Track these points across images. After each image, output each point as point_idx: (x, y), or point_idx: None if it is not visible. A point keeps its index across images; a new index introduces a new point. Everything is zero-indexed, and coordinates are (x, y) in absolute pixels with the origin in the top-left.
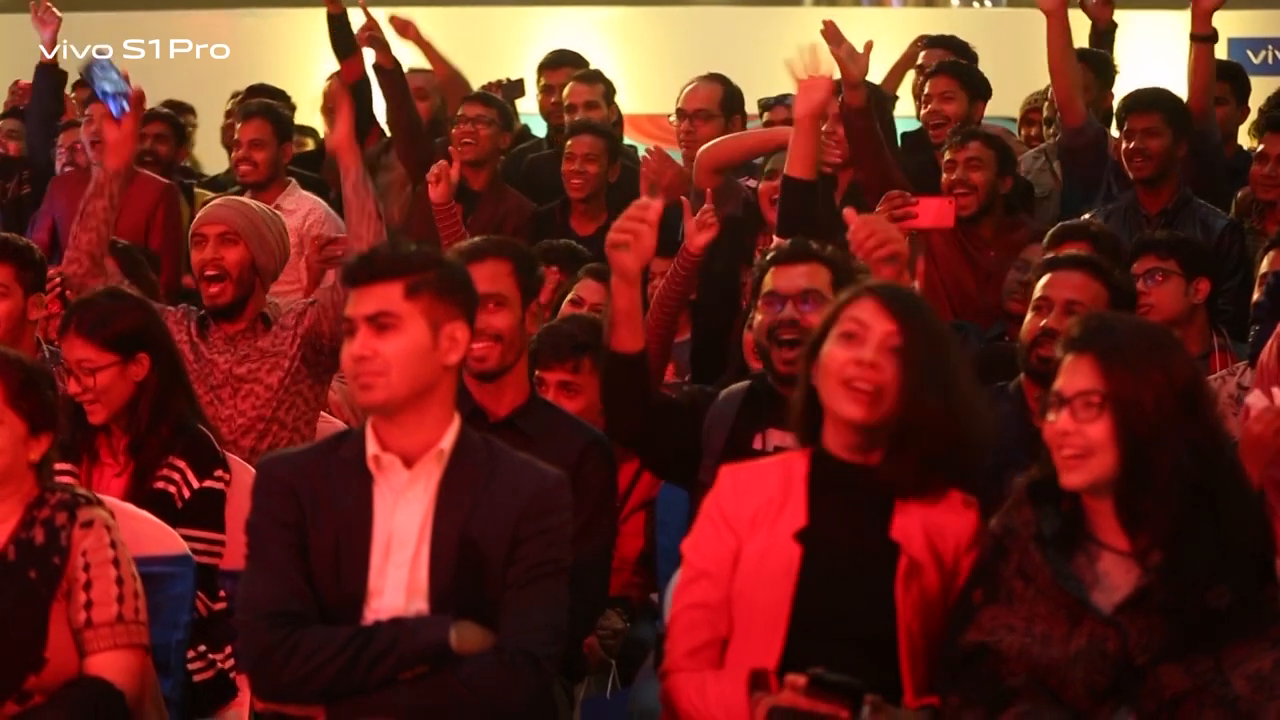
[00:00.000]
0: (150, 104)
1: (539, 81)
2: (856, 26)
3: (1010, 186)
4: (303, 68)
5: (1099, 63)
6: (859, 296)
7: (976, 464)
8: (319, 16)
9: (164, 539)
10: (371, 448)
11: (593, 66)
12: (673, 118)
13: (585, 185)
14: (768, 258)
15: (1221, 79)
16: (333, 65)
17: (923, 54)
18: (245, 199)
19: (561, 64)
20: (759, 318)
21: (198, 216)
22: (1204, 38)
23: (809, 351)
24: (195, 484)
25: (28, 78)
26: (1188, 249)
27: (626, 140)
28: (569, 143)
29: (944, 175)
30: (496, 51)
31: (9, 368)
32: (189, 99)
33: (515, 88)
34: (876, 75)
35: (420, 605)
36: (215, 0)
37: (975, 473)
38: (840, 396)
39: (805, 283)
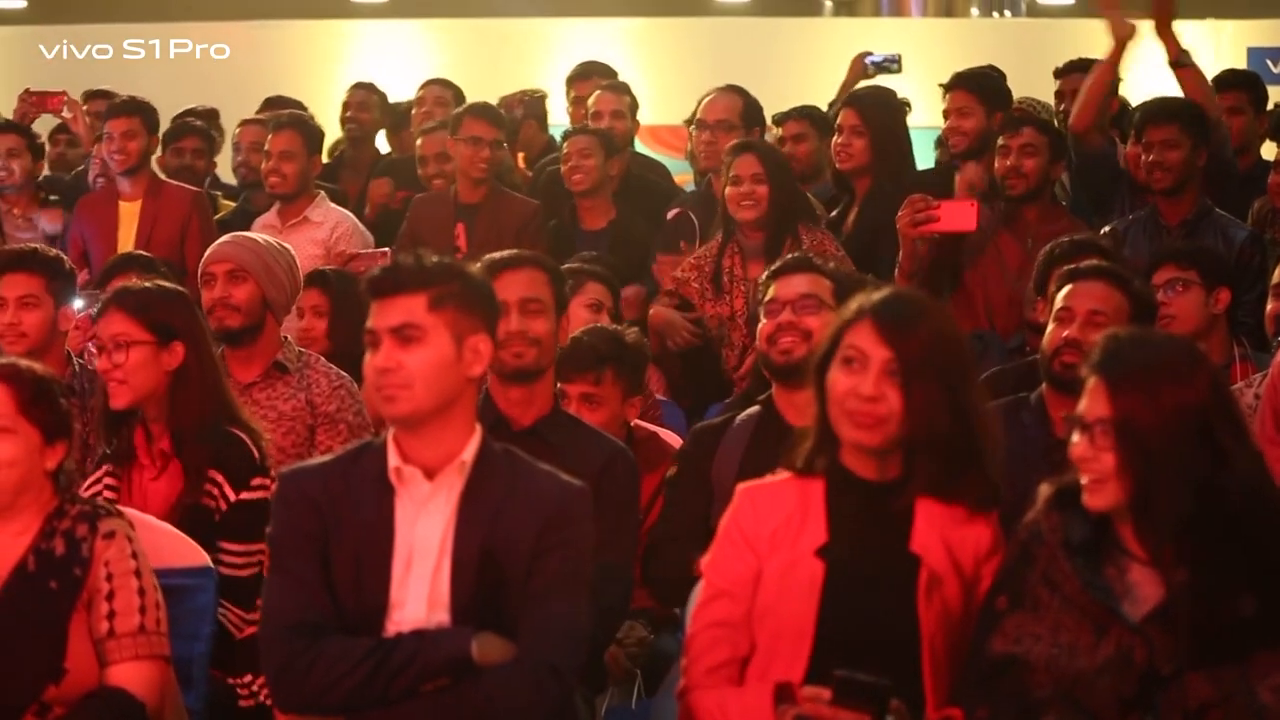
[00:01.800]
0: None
1: (569, 94)
2: (877, 37)
3: (1060, 174)
4: (303, 66)
5: None
6: (857, 319)
7: (987, 468)
8: (321, 27)
9: (185, 551)
10: (393, 460)
11: (620, 79)
12: (693, 128)
13: (585, 179)
14: (768, 273)
15: (1239, 88)
16: (334, 69)
17: (948, 95)
18: (252, 234)
19: (591, 75)
20: (763, 324)
21: (205, 255)
22: (1181, 64)
23: (817, 372)
24: (232, 496)
25: (32, 85)
26: (1208, 259)
27: (647, 151)
28: (564, 145)
29: (997, 161)
30: (518, 63)
31: (20, 377)
32: (188, 99)
33: (538, 103)
34: (898, 85)
35: (442, 617)
36: (218, 11)
37: (988, 477)
38: (846, 425)
39: (804, 288)
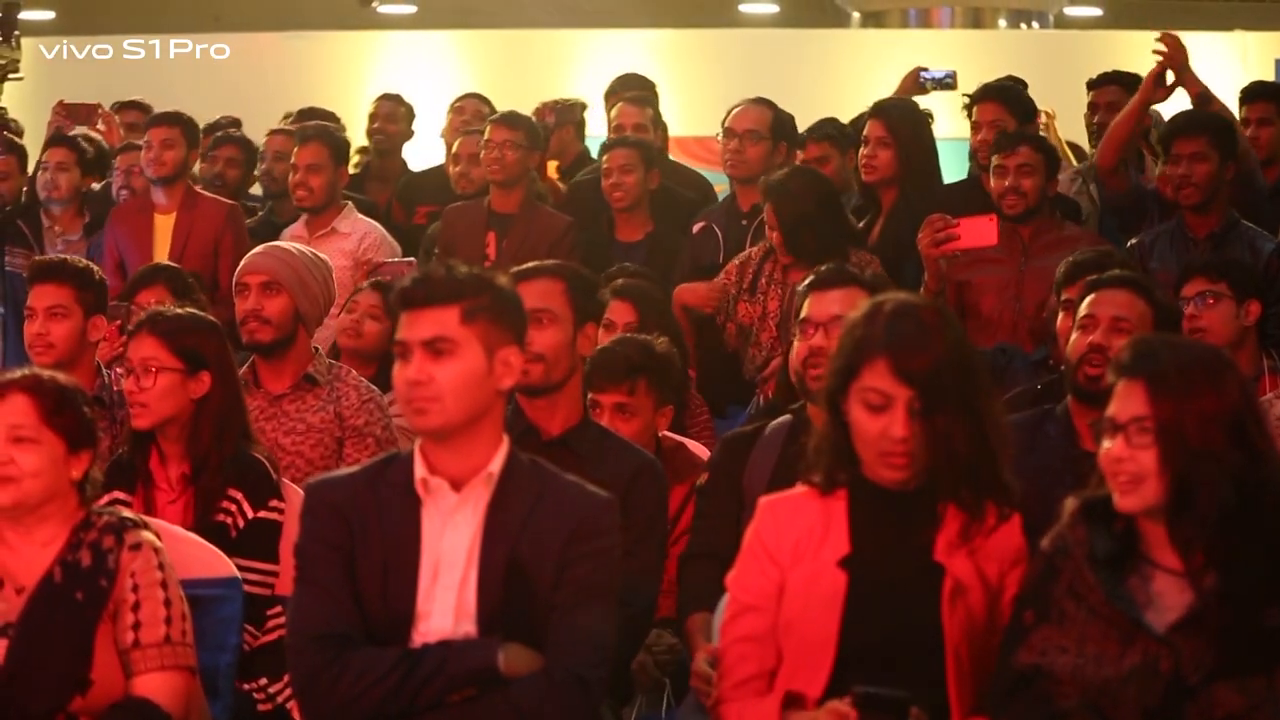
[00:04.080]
0: (162, 107)
1: (608, 110)
2: (904, 48)
3: (1056, 189)
4: (330, 77)
5: (1130, 82)
6: (871, 356)
7: (1005, 471)
8: (347, 38)
9: (212, 561)
10: (420, 471)
11: (648, 93)
12: (719, 136)
13: (625, 196)
14: (806, 283)
15: (1266, 99)
16: (361, 80)
17: (977, 108)
18: (288, 244)
19: (630, 87)
20: (796, 345)
21: (240, 265)
22: (1204, 101)
23: (829, 397)
24: (250, 514)
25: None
26: (1238, 271)
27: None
28: (604, 158)
29: (994, 181)
30: (545, 74)
31: (41, 387)
32: (188, 99)
33: (570, 110)
34: (925, 97)
35: (468, 628)
36: (246, 23)
37: (1007, 481)
38: (881, 465)
39: (838, 309)
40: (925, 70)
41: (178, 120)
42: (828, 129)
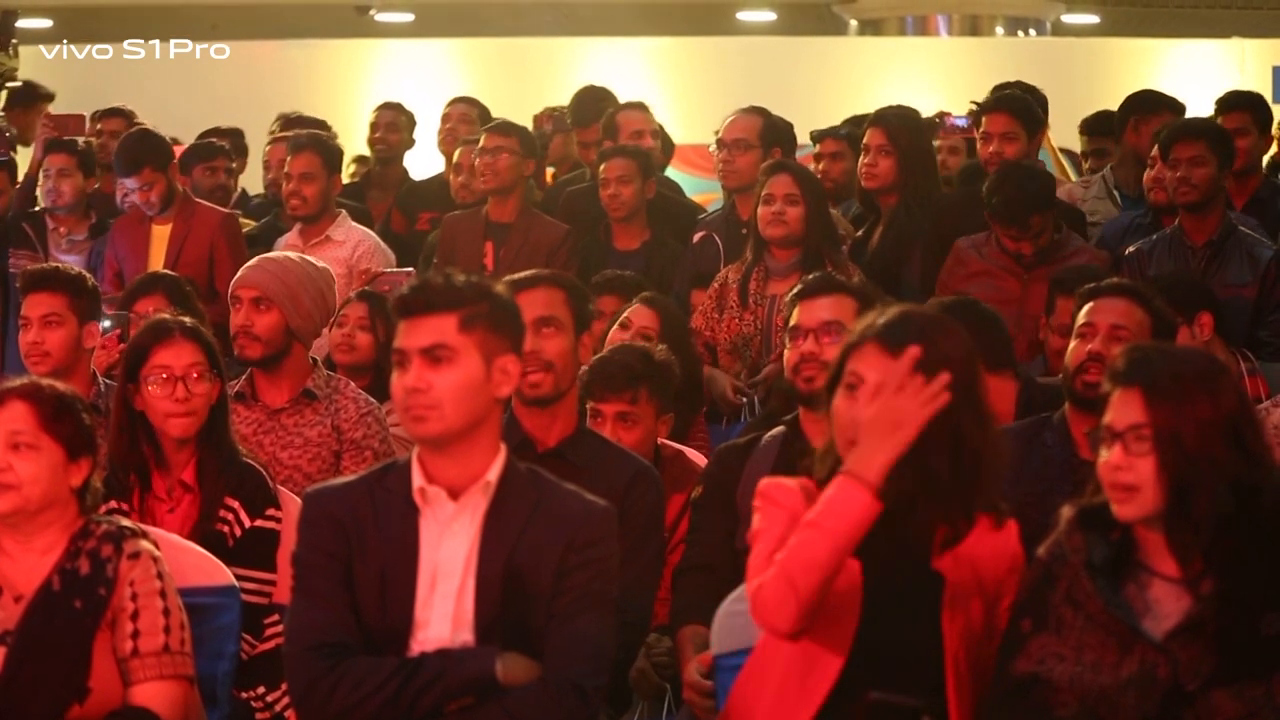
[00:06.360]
0: (162, 111)
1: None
2: (902, 56)
3: None
4: (328, 85)
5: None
6: (862, 342)
7: (989, 480)
8: (345, 46)
9: (210, 570)
10: (417, 480)
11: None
12: (712, 147)
13: (623, 207)
14: (794, 293)
15: (1242, 109)
16: (358, 88)
17: (987, 118)
18: (285, 255)
19: (591, 101)
20: (788, 352)
21: (236, 277)
22: None
23: (828, 394)
24: (247, 523)
25: (66, 108)
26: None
27: (671, 170)
28: (602, 168)
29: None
30: (543, 82)
31: (40, 394)
32: (188, 99)
33: (566, 119)
34: (923, 105)
35: (466, 637)
36: (246, 30)
37: (1000, 488)
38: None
39: (827, 315)
40: (949, 115)
41: (150, 160)
42: (848, 131)
